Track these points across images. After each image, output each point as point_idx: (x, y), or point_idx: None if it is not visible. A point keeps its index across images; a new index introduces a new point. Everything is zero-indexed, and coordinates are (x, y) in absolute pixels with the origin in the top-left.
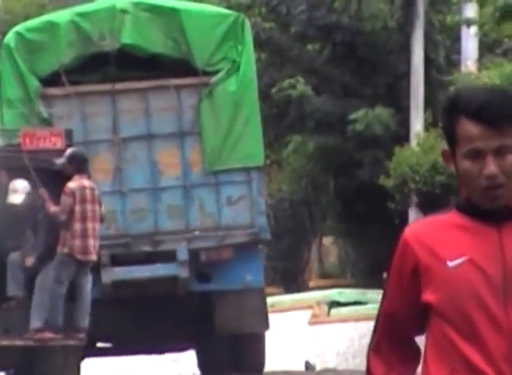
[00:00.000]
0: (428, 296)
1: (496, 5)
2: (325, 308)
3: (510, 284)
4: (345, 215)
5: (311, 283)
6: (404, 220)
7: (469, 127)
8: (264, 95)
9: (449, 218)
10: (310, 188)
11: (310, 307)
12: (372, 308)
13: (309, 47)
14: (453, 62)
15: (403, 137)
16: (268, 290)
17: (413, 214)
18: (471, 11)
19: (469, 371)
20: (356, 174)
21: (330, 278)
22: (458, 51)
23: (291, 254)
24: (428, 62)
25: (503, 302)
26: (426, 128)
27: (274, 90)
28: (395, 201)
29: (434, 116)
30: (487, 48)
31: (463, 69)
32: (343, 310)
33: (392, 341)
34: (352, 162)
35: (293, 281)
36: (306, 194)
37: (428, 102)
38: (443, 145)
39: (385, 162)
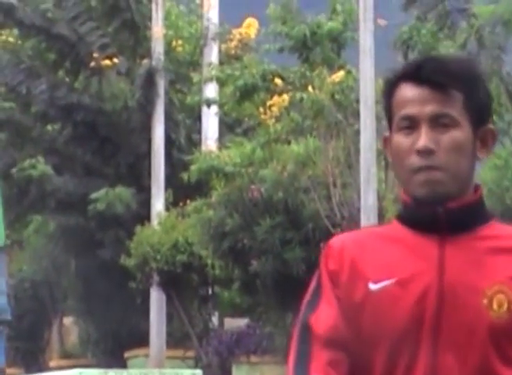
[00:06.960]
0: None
1: (236, 85)
2: None
3: (443, 317)
4: (86, 294)
5: (52, 363)
6: (146, 300)
7: (404, 91)
8: (4, 175)
9: (386, 229)
10: (51, 268)
11: None
12: None
13: (50, 127)
14: (194, 141)
15: (144, 216)
16: (9, 371)
17: (154, 293)
18: (211, 91)
19: None
20: (97, 254)
21: (71, 358)
22: (199, 131)
23: (32, 334)
24: (169, 141)
25: (431, 340)
26: (167, 207)
27: (14, 170)
28: (136, 280)
29: (175, 195)
30: (227, 127)
31: (203, 148)
32: None
33: None
34: (93, 241)
35: (34, 361)
36: (47, 274)
37: (169, 182)
38: (184, 224)
39: (126, 241)
